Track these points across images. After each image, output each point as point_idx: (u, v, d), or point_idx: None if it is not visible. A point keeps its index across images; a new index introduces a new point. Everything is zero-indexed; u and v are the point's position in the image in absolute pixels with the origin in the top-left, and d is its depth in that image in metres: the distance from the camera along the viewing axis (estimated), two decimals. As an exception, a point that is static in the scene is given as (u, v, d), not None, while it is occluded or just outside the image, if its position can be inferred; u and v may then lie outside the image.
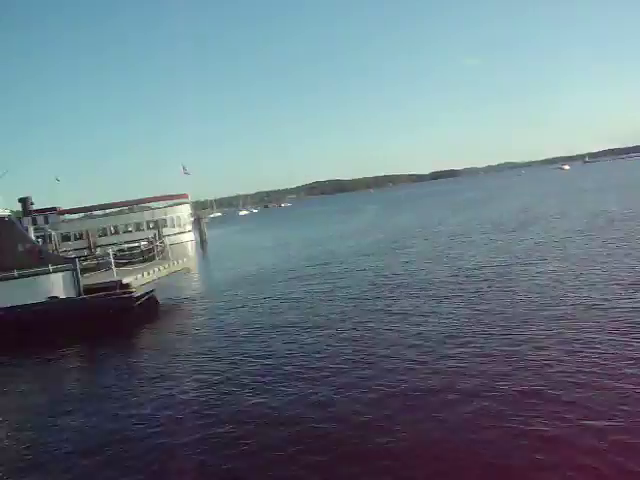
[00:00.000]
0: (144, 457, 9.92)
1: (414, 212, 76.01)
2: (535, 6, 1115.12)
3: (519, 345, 13.18)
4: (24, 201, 67.63)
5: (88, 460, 10.16)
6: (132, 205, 72.20)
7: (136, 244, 32.65)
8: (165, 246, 29.86)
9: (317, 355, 14.55)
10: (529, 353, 12.54)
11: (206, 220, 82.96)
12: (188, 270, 28.98)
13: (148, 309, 23.83)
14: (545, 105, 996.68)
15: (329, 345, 15.35)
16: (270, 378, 13.18)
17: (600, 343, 12.53)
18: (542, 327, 14.38)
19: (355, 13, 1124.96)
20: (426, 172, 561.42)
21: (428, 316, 17.05)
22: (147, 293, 24.27)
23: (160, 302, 25.43)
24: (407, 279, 23.75)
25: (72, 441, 11.17)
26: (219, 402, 12.03)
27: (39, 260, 28.79)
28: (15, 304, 21.85)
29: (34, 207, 68.60)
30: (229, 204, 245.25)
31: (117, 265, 24.65)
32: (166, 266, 26.41)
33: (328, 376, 12.78)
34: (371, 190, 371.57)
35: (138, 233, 62.56)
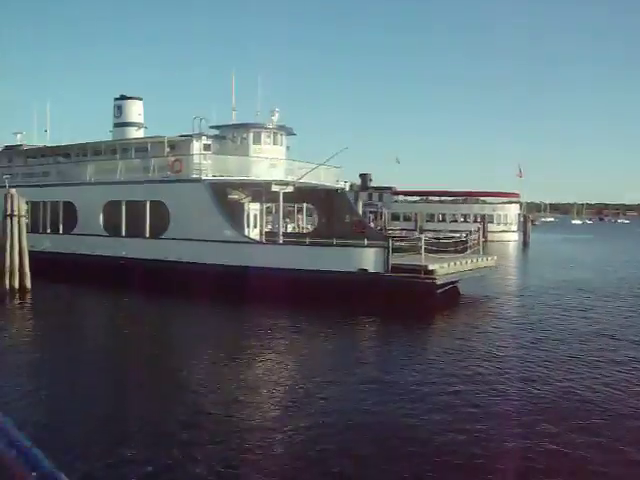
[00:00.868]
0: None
1: None
2: None
3: None
4: (364, 177, 73.20)
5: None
6: (465, 197, 73.16)
7: (452, 234, 32.94)
8: (479, 241, 29.49)
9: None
10: None
11: (537, 223, 79.94)
12: (495, 268, 28.29)
13: (449, 298, 23.95)
14: None
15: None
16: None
17: None
18: None
19: None
20: None
21: None
22: (451, 283, 24.38)
23: (462, 294, 25.36)
24: None
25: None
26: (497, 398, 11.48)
27: (361, 233, 30.90)
28: (329, 269, 23.64)
29: (372, 184, 73.86)
30: (563, 211, 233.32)
31: (428, 251, 25.10)
32: (474, 260, 26.14)
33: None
34: None
35: (463, 224, 63.19)
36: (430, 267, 22.93)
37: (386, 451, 9.38)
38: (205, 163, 28.33)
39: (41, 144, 39.81)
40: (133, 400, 12.21)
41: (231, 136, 30.96)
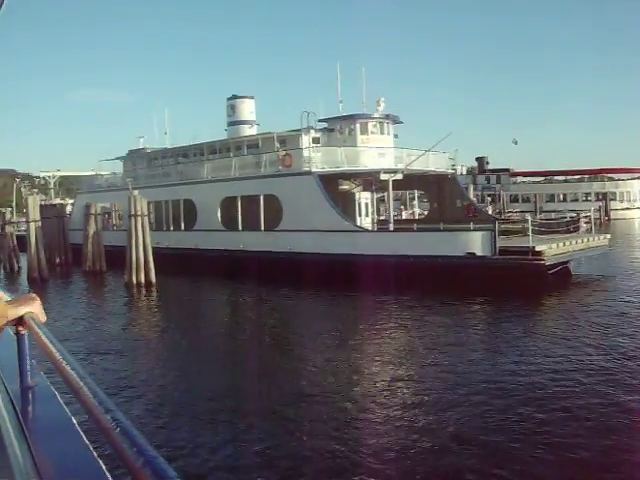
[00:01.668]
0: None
1: None
2: None
3: None
4: (480, 160, 72.21)
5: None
6: (588, 174, 70.36)
7: (564, 215, 32.08)
8: (595, 220, 28.78)
9: None
10: None
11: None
12: (608, 247, 27.45)
13: (560, 279, 23.72)
14: None
15: None
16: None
17: None
18: None
19: None
20: None
21: None
22: (562, 263, 24.10)
23: (573, 274, 24.99)
24: None
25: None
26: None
27: (472, 217, 31.09)
28: (438, 254, 24.12)
29: (489, 167, 72.61)
30: None
31: (538, 232, 24.92)
32: (585, 240, 25.64)
33: None
34: None
35: (584, 203, 60.88)
36: (538, 248, 22.85)
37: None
38: (314, 156, 29.56)
39: (161, 147, 42.75)
40: (263, 378, 13.53)
41: (339, 128, 32.05)
